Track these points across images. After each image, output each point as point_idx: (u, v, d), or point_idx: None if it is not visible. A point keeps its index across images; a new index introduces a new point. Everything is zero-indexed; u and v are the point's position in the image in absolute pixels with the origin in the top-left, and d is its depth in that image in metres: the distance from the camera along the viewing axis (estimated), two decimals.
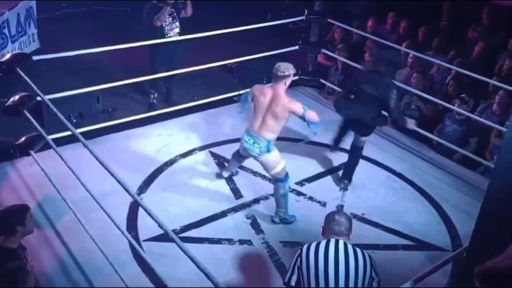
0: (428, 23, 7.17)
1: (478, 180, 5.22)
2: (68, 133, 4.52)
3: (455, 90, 5.90)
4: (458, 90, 5.87)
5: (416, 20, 7.14)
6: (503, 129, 5.05)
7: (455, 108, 5.53)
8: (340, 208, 4.76)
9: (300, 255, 2.85)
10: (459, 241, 4.45)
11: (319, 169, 5.34)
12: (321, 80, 7.02)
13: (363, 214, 4.69)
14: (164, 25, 5.94)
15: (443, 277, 3.70)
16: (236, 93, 6.06)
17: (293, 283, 2.86)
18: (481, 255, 2.63)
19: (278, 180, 4.34)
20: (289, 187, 4.49)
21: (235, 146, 5.53)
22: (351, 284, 2.73)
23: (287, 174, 4.37)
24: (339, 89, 6.77)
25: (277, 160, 4.31)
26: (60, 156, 3.99)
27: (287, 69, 4.26)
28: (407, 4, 7.36)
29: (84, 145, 3.62)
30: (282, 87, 4.25)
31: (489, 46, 6.42)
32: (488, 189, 2.58)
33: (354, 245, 2.90)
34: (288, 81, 4.30)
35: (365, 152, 5.66)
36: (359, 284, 2.75)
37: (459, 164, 5.58)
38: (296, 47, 6.92)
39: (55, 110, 4.09)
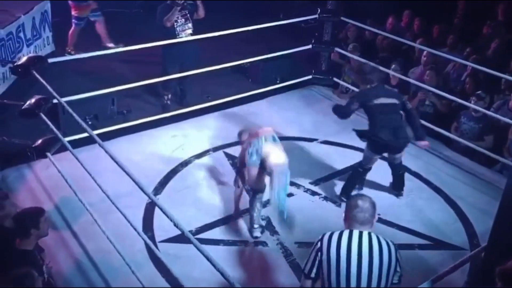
0: (442, 20, 7.12)
1: (495, 178, 5.16)
2: (84, 135, 4.58)
3: (472, 87, 5.84)
4: (474, 87, 5.81)
5: (430, 18, 7.09)
6: None
7: (471, 105, 5.47)
8: None
9: (320, 249, 2.68)
10: (476, 239, 4.40)
11: (334, 168, 5.31)
12: (335, 79, 6.99)
13: (378, 214, 4.65)
14: (176, 26, 5.96)
15: (461, 276, 3.66)
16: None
17: (313, 275, 2.73)
18: (500, 254, 2.61)
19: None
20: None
21: None
22: (374, 283, 2.61)
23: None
24: (353, 88, 6.74)
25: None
26: (77, 158, 4.02)
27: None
28: (421, 2, 7.32)
29: (100, 146, 3.64)
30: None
31: (504, 42, 6.35)
32: (507, 187, 2.55)
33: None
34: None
35: None
36: (382, 283, 2.62)
37: (476, 162, 5.51)
38: (309, 46, 6.90)
39: (71, 112, 4.12)
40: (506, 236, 2.63)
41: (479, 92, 5.54)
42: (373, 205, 2.74)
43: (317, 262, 2.70)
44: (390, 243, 2.69)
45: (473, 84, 5.85)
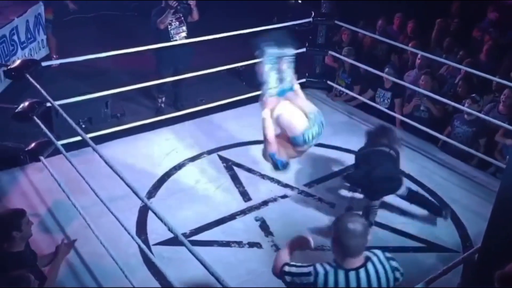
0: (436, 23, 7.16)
1: (488, 181, 5.18)
2: (77, 138, 4.57)
3: (464, 90, 5.86)
4: (467, 90, 5.83)
5: (423, 21, 7.13)
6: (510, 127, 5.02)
7: (465, 108, 5.49)
8: (349, 209, 4.74)
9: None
10: (469, 242, 4.41)
11: (328, 170, 5.32)
12: (329, 82, 7.00)
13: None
14: (169, 29, 5.97)
15: (455, 278, 3.67)
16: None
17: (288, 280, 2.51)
18: (493, 256, 2.62)
19: None
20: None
21: (244, 150, 5.56)
22: None
23: None
24: (347, 91, 6.77)
25: None
26: (70, 161, 4.01)
27: None
28: (414, 4, 7.37)
29: (94, 149, 3.64)
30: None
31: (496, 44, 6.40)
32: (500, 189, 2.56)
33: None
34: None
35: None
36: None
37: (469, 165, 5.53)
38: (303, 50, 6.92)
39: (64, 115, 4.11)
40: (499, 238, 2.65)
41: (473, 95, 5.57)
42: (366, 227, 2.44)
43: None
44: (389, 271, 2.47)
45: (466, 87, 5.88)
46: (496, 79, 5.52)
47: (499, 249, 2.58)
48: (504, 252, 2.52)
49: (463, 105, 5.54)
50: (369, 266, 2.44)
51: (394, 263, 2.56)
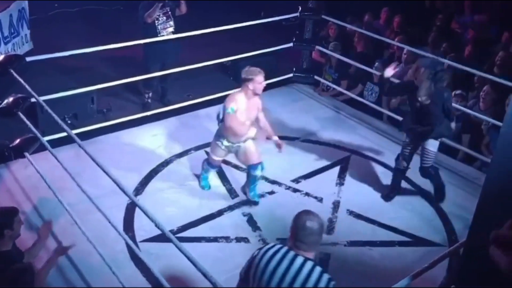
0: (422, 18, 7.20)
1: (474, 175, 5.24)
2: (63, 134, 4.52)
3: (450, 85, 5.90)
4: (453, 86, 5.87)
5: (409, 15, 7.17)
6: (498, 122, 5.06)
7: (456, 106, 5.52)
8: (336, 204, 4.77)
9: (253, 257, 2.49)
10: (455, 236, 4.46)
11: (316, 166, 5.34)
12: (316, 77, 7.02)
13: (351, 211, 4.70)
14: (157, 24, 5.92)
15: (440, 272, 3.71)
16: None
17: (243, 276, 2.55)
18: (478, 250, 2.65)
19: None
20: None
21: None
22: None
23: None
24: (334, 86, 6.79)
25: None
26: (56, 158, 3.96)
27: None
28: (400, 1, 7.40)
29: (80, 146, 3.60)
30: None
31: (480, 39, 6.46)
32: (485, 184, 2.58)
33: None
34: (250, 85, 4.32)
35: (360, 149, 5.69)
36: None
37: (455, 159, 5.58)
38: (291, 44, 6.92)
39: (49, 111, 4.06)
40: (484, 232, 2.68)
41: (459, 91, 5.61)
42: (322, 226, 2.47)
43: (247, 269, 2.52)
44: (323, 280, 2.36)
45: (452, 83, 5.91)
46: (482, 74, 5.55)
47: (484, 243, 2.61)
48: (488, 246, 2.55)
49: None
50: (309, 265, 2.39)
51: (325, 277, 2.39)
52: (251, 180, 4.62)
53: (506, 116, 2.40)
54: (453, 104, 5.42)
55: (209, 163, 4.73)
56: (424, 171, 4.74)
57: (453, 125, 4.94)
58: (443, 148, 5.58)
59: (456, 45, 6.54)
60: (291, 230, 2.48)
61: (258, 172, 4.55)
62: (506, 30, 6.39)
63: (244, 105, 4.34)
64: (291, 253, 2.42)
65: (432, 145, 4.60)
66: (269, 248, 2.47)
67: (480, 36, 6.61)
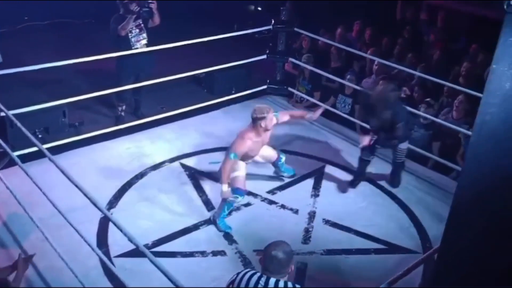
0: (392, 30, 7.35)
1: (448, 184, 5.28)
2: (34, 149, 4.43)
3: (420, 95, 6.02)
4: (423, 95, 5.99)
5: (380, 28, 7.30)
6: (465, 131, 5.18)
7: (421, 113, 5.64)
8: (312, 214, 4.79)
9: (231, 283, 2.67)
10: (429, 243, 4.52)
11: (291, 177, 5.35)
12: (290, 89, 7.07)
13: (326, 220, 4.73)
14: (130, 37, 5.89)
15: (415, 278, 3.75)
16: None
17: None
18: (451, 256, 2.69)
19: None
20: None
21: (206, 157, 5.53)
22: None
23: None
24: (307, 97, 6.85)
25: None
26: (26, 173, 3.88)
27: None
28: (370, 13, 7.53)
29: (51, 160, 3.53)
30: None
31: (446, 51, 6.62)
32: (457, 191, 2.63)
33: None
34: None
35: (334, 158, 5.74)
36: None
37: (430, 169, 5.67)
38: (264, 57, 6.96)
39: (19, 125, 3.98)
40: (457, 238, 2.72)
41: (428, 99, 5.73)
42: (288, 254, 2.66)
43: None
44: None
45: (422, 92, 6.04)
46: (452, 85, 5.67)
47: (457, 249, 2.65)
48: (461, 252, 2.59)
49: (419, 110, 5.68)
50: (280, 282, 2.62)
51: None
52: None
53: (475, 126, 2.46)
54: (421, 112, 5.57)
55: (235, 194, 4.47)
56: (397, 165, 5.25)
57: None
58: (414, 156, 5.69)
59: (423, 56, 6.69)
60: (261, 259, 2.70)
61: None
62: (474, 42, 6.56)
63: (254, 143, 4.54)
64: (265, 277, 2.63)
65: (403, 144, 5.09)
66: (246, 272, 2.68)
67: (447, 47, 6.77)
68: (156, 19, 6.02)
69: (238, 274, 2.68)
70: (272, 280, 2.60)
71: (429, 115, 5.59)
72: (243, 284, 2.62)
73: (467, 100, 5.45)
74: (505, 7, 2.12)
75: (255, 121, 4.48)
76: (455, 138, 5.53)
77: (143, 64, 6.02)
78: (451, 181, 5.36)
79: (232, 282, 2.67)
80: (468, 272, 2.55)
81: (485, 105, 2.35)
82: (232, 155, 4.37)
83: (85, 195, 3.14)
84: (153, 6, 5.94)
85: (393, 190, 5.24)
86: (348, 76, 6.46)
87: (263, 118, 4.45)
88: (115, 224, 2.95)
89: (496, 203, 2.39)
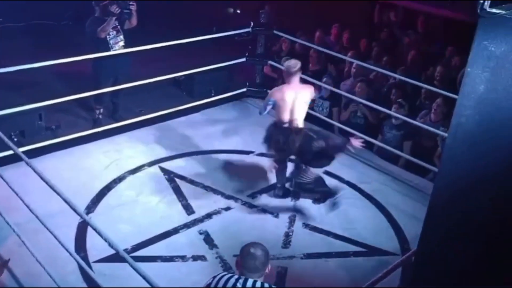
0: (369, 33, 7.45)
1: (425, 186, 5.36)
2: (9, 152, 4.35)
3: (398, 97, 6.10)
4: (400, 97, 6.07)
5: (356, 31, 7.39)
6: (442, 133, 5.26)
7: (392, 113, 5.72)
8: (292, 218, 4.80)
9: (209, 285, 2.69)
10: (407, 244, 4.58)
11: (271, 180, 5.36)
12: (269, 92, 7.06)
13: (306, 224, 4.76)
14: (108, 39, 5.84)
15: (394, 280, 3.79)
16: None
17: None
18: (428, 258, 2.74)
19: None
20: None
21: (185, 161, 5.51)
22: None
23: None
24: None
25: None
26: (1, 177, 3.81)
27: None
28: (347, 16, 7.62)
29: (27, 164, 3.48)
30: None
31: (421, 53, 6.74)
32: (433, 192, 2.68)
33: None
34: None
35: None
36: None
37: (407, 170, 5.74)
38: (243, 59, 6.97)
39: None
40: (433, 240, 2.77)
41: (399, 100, 5.82)
42: (265, 253, 2.72)
43: None
44: None
45: (399, 94, 6.12)
46: (429, 87, 5.76)
47: (434, 250, 2.69)
48: (438, 254, 2.64)
49: (391, 110, 5.77)
50: (259, 284, 2.65)
51: None
52: None
53: (451, 128, 2.51)
54: (393, 112, 5.66)
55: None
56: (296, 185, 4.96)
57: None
58: (386, 156, 5.77)
59: (399, 59, 6.79)
60: (238, 259, 2.70)
61: None
62: (450, 45, 6.69)
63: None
64: (243, 278, 2.64)
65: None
66: (222, 276, 2.67)
67: (423, 50, 6.90)
68: (134, 21, 5.99)
69: (214, 277, 2.68)
70: (250, 281, 2.62)
71: (400, 115, 5.67)
72: (220, 284, 2.62)
73: (444, 103, 5.55)
74: (478, 11, 2.17)
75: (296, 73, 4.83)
76: (433, 140, 5.62)
77: (121, 66, 5.98)
78: (428, 182, 5.44)
79: (209, 285, 2.66)
80: (445, 272, 2.60)
81: (460, 107, 2.40)
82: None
83: (63, 199, 3.10)
84: (133, 7, 5.91)
85: (371, 192, 5.29)
86: (325, 79, 6.51)
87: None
88: (94, 229, 2.92)
89: (472, 203, 2.45)
